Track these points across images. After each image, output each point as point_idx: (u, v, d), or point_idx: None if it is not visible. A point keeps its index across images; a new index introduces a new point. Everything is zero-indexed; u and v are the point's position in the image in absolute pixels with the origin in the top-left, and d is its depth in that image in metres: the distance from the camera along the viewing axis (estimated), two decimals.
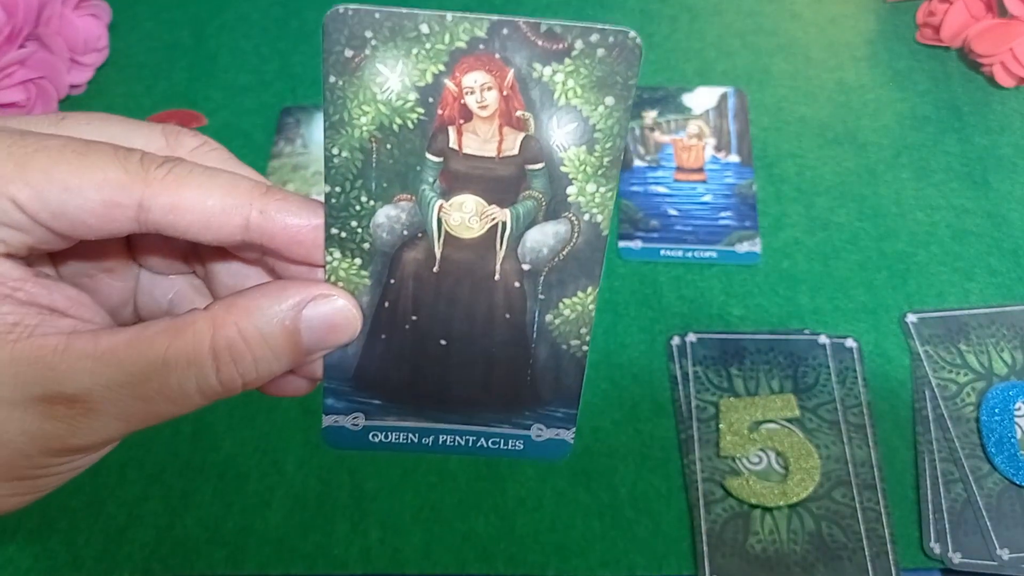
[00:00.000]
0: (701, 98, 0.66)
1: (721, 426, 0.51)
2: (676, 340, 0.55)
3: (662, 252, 0.59)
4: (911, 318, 0.55)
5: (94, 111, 0.28)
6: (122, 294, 0.31)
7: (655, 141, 0.64)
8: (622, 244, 0.59)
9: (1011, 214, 0.60)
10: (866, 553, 0.47)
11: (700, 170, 0.62)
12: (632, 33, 0.25)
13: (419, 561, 0.49)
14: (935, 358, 0.53)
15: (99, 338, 0.25)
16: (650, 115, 0.65)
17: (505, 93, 0.26)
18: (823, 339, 0.54)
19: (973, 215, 0.60)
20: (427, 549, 0.49)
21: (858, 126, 0.64)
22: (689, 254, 0.59)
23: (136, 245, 0.30)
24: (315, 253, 0.28)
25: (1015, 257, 0.58)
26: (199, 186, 0.25)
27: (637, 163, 0.63)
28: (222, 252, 0.29)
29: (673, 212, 0.60)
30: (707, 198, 0.61)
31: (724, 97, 0.66)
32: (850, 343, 0.54)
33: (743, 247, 0.58)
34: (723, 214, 0.60)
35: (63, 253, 0.29)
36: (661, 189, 0.62)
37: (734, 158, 0.63)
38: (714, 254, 0.58)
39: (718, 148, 0.63)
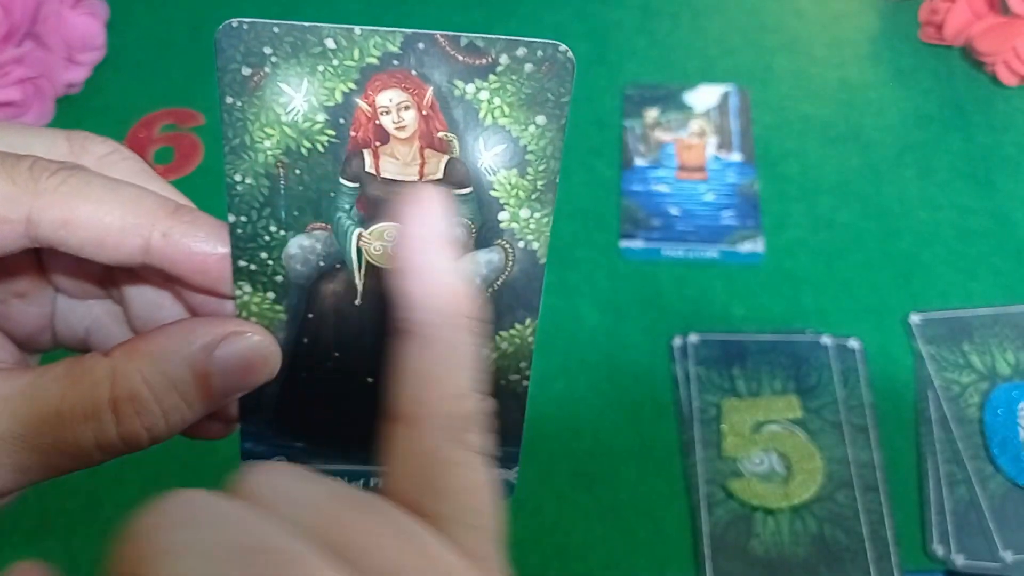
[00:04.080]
0: (703, 96, 0.65)
1: (723, 427, 0.51)
2: (678, 341, 0.55)
3: (664, 252, 0.58)
4: (915, 318, 0.55)
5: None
6: (38, 320, 0.28)
7: (656, 140, 0.63)
8: (623, 244, 0.59)
9: (1015, 214, 0.59)
10: (869, 555, 0.47)
11: (702, 169, 0.62)
12: (563, 47, 0.23)
13: None
14: (939, 359, 0.53)
15: None
16: (651, 113, 0.64)
17: (424, 112, 0.24)
18: (826, 340, 0.54)
19: (977, 214, 0.59)
20: None
21: (861, 124, 0.64)
22: (691, 254, 0.58)
23: (48, 266, 0.28)
24: (222, 284, 0.25)
25: (1019, 257, 0.57)
26: (97, 200, 0.23)
27: (638, 162, 0.62)
28: (134, 275, 0.27)
29: (675, 211, 0.60)
30: (709, 197, 0.61)
31: (726, 95, 0.65)
32: (853, 344, 0.54)
33: (745, 247, 0.58)
34: (725, 213, 0.60)
35: None
36: (663, 188, 0.61)
37: (736, 157, 0.62)
38: (716, 254, 0.58)
39: (720, 147, 0.63)
